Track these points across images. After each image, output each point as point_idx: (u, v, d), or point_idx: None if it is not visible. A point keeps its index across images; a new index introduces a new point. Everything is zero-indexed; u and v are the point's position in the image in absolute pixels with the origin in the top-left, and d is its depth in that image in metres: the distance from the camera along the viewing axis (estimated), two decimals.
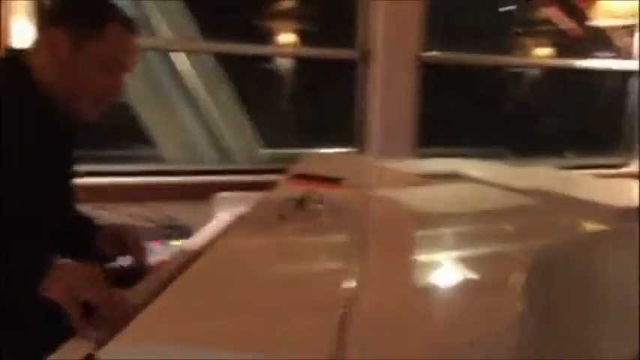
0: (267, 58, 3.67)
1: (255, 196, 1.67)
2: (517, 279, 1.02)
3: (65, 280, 1.00)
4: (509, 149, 4.04)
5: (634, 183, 1.99)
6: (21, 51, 1.33)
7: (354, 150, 2.97)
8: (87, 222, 1.50)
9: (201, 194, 2.33)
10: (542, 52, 4.36)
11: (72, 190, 1.47)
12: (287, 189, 1.62)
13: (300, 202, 1.46)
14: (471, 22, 4.49)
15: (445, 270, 1.17)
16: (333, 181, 1.69)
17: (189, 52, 3.77)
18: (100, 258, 1.42)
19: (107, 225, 1.47)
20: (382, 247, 1.27)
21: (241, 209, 1.66)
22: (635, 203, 1.69)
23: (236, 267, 1.10)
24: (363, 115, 2.88)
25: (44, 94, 1.28)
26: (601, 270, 1.44)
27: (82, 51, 1.28)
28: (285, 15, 3.79)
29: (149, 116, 3.65)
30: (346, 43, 2.91)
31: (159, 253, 1.73)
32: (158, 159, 3.57)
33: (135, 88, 3.54)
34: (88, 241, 1.42)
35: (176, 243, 1.47)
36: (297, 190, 1.55)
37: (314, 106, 4.18)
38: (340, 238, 1.30)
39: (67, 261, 1.11)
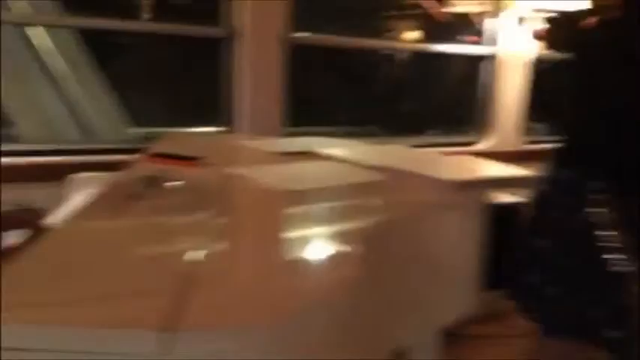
0: (136, 35, 3.55)
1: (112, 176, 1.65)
2: (354, 250, 1.10)
3: None
4: (380, 128, 4.21)
5: (475, 159, 2.17)
6: None
7: (225, 129, 2.96)
8: None
9: (62, 175, 2.24)
10: (411, 35, 4.55)
11: None
12: (142, 168, 1.62)
13: (154, 181, 1.46)
14: (342, 3, 4.61)
15: (292, 243, 1.23)
16: (189, 159, 1.71)
17: (48, 27, 3.57)
18: None
19: None
20: (233, 223, 1.31)
21: (97, 189, 1.63)
22: (472, 177, 1.85)
23: (79, 247, 1.09)
24: (231, 94, 2.88)
25: None
26: (437, 238, 1.57)
27: None
28: None
29: (4, 93, 3.43)
30: (217, 19, 2.88)
31: (11, 236, 1.67)
32: (15, 138, 3.38)
33: None
34: None
35: None
36: (152, 168, 1.56)
37: (186, 84, 4.12)
38: (193, 216, 1.32)
39: None
